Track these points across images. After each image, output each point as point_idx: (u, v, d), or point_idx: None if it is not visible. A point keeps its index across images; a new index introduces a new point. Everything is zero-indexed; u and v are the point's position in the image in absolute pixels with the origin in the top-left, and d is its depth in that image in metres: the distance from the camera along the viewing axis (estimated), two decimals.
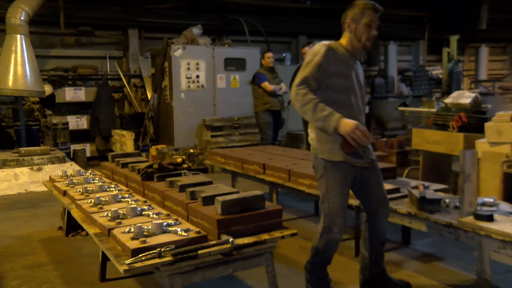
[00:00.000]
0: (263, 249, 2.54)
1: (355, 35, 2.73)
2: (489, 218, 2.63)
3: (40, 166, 6.73)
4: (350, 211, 4.04)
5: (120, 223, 2.72)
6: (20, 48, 7.51)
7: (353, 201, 3.43)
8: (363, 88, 2.88)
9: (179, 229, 2.51)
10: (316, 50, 2.71)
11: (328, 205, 2.76)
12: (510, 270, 3.38)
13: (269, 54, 7.08)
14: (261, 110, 6.95)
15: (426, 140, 4.76)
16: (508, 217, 2.71)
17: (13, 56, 7.45)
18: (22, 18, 7.56)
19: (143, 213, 2.93)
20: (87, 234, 3.46)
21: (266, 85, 6.86)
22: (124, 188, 3.80)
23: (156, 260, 2.24)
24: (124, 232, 2.53)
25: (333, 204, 2.75)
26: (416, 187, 3.34)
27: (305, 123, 6.90)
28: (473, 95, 4.81)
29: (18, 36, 7.52)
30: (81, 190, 3.65)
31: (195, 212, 2.74)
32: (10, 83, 7.38)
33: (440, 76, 12.20)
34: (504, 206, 2.91)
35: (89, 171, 4.65)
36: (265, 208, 2.66)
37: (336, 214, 2.74)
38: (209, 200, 2.76)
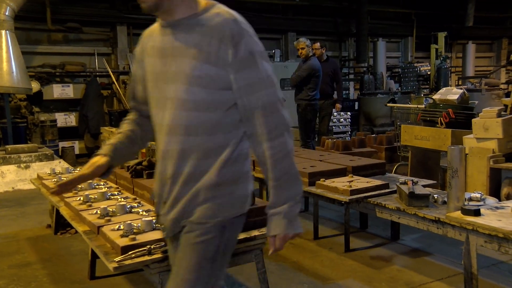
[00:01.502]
0: (252, 246, 2.54)
1: None
2: (476, 213, 2.67)
3: (28, 163, 6.65)
4: (340, 207, 4.08)
5: (109, 220, 2.70)
6: (5, 44, 7.39)
7: (343, 198, 3.46)
8: (200, 76, 1.58)
9: None
10: None
11: None
12: (496, 263, 3.43)
13: None
14: None
15: (414, 136, 4.80)
16: (494, 211, 2.75)
17: None
18: (7, 14, 7.44)
19: (133, 210, 2.92)
20: (76, 232, 3.44)
21: None
22: (113, 185, 3.78)
23: (146, 257, 2.23)
24: (113, 230, 2.52)
25: None
26: (405, 183, 3.36)
27: (301, 120, 6.89)
28: (460, 91, 4.85)
29: (3, 31, 7.39)
30: None
31: None
32: None
33: (428, 73, 12.31)
34: (491, 201, 2.95)
35: (78, 169, 4.61)
36: (254, 204, 2.66)
37: None
38: None
